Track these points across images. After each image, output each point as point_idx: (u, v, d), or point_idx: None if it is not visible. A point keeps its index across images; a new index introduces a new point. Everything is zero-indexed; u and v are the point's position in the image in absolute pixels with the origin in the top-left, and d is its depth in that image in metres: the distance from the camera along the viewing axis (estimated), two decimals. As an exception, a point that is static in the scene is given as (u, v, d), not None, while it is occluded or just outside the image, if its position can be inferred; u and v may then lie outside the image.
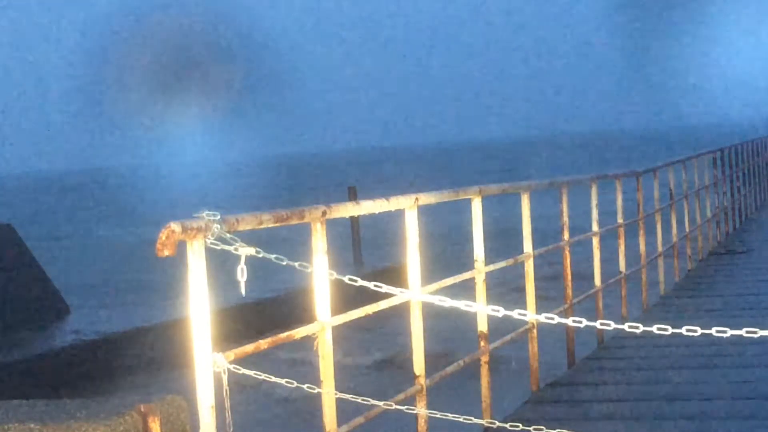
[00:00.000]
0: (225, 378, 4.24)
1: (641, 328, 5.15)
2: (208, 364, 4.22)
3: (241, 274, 4.29)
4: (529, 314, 6.57)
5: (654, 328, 5.13)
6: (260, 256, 4.41)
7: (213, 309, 4.25)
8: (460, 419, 5.34)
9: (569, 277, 9.27)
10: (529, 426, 5.52)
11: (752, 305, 11.36)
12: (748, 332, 4.95)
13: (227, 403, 4.25)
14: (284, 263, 4.59)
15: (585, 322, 5.40)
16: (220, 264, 5.41)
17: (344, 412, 5.21)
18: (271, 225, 4.64)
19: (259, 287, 18.54)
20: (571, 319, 5.60)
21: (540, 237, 8.90)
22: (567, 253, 9.22)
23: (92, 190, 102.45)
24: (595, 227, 10.19)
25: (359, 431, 5.37)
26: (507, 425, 5.69)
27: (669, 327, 5.13)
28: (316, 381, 5.00)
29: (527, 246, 8.18)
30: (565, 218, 9.16)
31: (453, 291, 5.87)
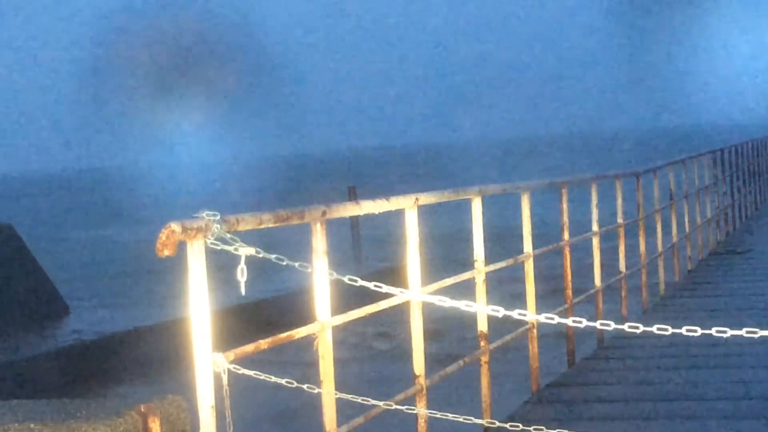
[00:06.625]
0: (225, 378, 4.24)
1: (641, 328, 5.15)
2: (208, 364, 4.22)
3: (241, 274, 4.29)
4: (529, 314, 6.57)
5: (654, 328, 5.13)
6: (260, 256, 4.41)
7: (213, 309, 4.25)
8: (460, 419, 5.33)
9: (569, 277, 9.27)
10: (529, 426, 5.52)
11: (752, 305, 11.35)
12: (748, 332, 4.95)
13: (227, 403, 4.25)
14: (284, 263, 4.59)
15: (585, 322, 5.40)
16: (220, 264, 5.41)
17: (344, 412, 5.20)
18: (271, 225, 4.64)
19: (259, 287, 18.53)
20: (571, 319, 5.60)
21: (539, 238, 8.89)
22: (567, 253, 9.22)
23: (92, 190, 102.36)
24: (595, 227, 10.19)
25: (359, 431, 5.37)
26: (507, 425, 5.68)
27: (669, 327, 5.13)
28: (316, 381, 5.00)
29: (527, 246, 8.18)
30: (565, 218, 9.15)
31: (453, 291, 5.87)
